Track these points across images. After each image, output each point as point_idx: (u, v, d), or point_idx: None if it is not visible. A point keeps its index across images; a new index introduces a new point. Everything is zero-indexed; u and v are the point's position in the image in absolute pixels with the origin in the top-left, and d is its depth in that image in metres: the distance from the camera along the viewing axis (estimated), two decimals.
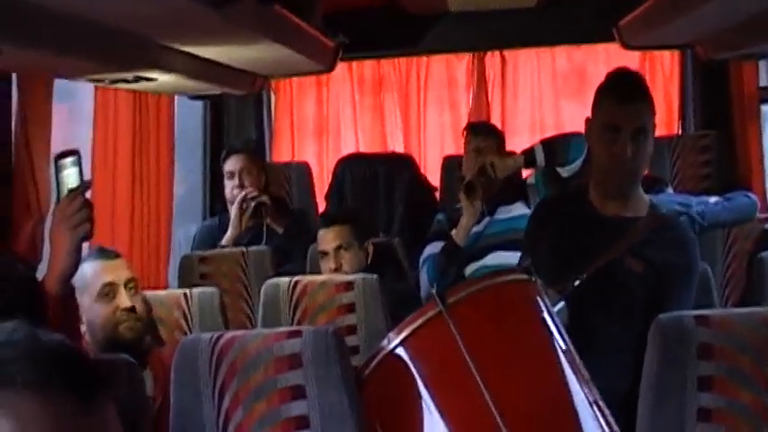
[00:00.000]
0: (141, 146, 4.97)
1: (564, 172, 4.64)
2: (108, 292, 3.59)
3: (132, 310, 3.60)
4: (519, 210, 4.82)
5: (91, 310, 3.48)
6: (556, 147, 4.72)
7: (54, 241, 2.84)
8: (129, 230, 4.90)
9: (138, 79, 3.81)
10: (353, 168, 6.46)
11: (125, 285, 3.63)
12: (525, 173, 5.04)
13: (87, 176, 2.88)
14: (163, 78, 3.97)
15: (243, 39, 3.80)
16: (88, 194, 2.87)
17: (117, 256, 3.71)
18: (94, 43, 3.11)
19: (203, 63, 4.24)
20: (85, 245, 2.94)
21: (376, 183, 6.40)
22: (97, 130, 4.74)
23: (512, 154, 5.22)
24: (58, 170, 2.81)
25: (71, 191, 2.81)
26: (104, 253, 3.65)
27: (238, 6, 3.16)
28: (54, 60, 3.09)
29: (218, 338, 3.08)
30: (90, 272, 3.57)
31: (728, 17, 4.11)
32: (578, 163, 4.60)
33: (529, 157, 4.80)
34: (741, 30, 4.24)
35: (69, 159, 2.81)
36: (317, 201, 6.51)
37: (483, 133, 5.16)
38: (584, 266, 3.44)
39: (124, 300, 3.59)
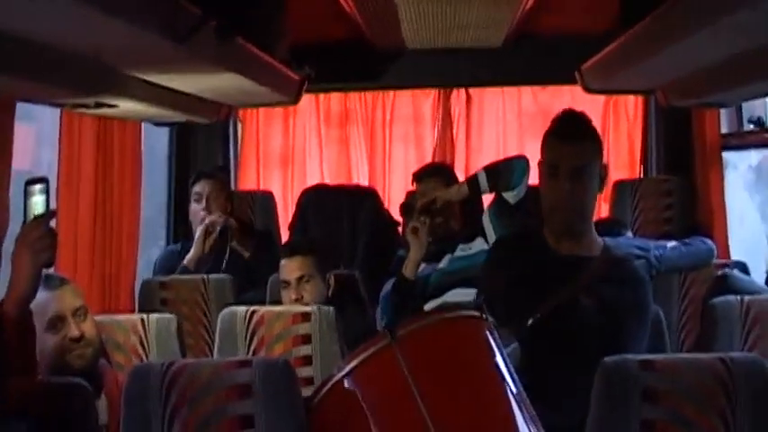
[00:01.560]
0: (105, 169, 4.96)
1: (510, 198, 4.66)
2: (56, 323, 3.60)
3: (81, 338, 3.61)
4: (478, 246, 4.85)
5: (41, 340, 3.49)
6: (499, 171, 4.74)
7: (16, 265, 2.89)
8: (90, 254, 4.90)
9: (99, 105, 3.82)
10: (317, 200, 6.48)
11: (73, 314, 3.63)
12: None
13: (54, 205, 2.94)
14: (125, 105, 3.99)
15: (205, 70, 3.81)
16: (53, 222, 2.93)
17: (63, 283, 3.69)
18: (55, 68, 3.12)
19: (166, 91, 4.25)
20: None
21: (339, 215, 6.41)
22: (63, 155, 4.74)
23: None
24: (26, 196, 2.87)
25: (37, 217, 2.86)
26: (50, 282, 3.61)
27: (199, 39, 3.19)
28: (14, 84, 3.11)
29: (170, 366, 3.11)
30: (38, 302, 3.58)
31: (688, 65, 4.16)
32: (523, 187, 4.63)
33: (472, 183, 4.82)
34: (701, 78, 4.30)
35: (38, 186, 2.87)
36: (281, 230, 6.53)
37: (426, 176, 5.19)
38: (539, 306, 3.48)
39: (72, 329, 3.60)
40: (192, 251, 5.54)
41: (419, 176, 5.20)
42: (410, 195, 6.43)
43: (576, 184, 3.48)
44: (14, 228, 3.46)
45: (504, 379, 2.96)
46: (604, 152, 6.91)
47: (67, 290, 3.68)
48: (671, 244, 5.01)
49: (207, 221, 5.54)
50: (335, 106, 7.31)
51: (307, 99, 6.47)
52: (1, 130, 3.67)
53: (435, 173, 5.24)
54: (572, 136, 3.55)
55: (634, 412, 3.00)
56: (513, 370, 3.01)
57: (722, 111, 5.92)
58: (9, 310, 2.90)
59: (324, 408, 2.92)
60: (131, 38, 2.89)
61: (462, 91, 7.24)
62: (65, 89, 3.45)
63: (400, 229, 6.40)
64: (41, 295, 3.54)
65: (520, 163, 4.66)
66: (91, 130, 4.81)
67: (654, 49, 3.88)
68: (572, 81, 5.69)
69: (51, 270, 3.44)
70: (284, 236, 6.44)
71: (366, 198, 6.55)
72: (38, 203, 2.88)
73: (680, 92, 4.86)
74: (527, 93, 7.27)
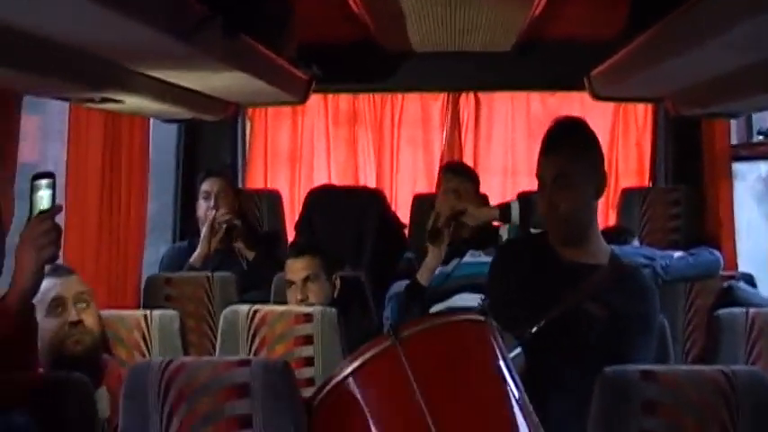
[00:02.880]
0: (113, 164, 4.97)
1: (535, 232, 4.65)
2: (57, 306, 3.62)
3: (79, 323, 3.62)
4: (489, 256, 4.83)
5: (41, 326, 3.50)
6: (532, 205, 4.72)
7: (19, 260, 2.90)
8: (97, 249, 4.91)
9: (105, 101, 3.82)
10: (324, 200, 6.47)
11: (74, 300, 3.65)
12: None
13: (60, 200, 2.94)
14: (131, 101, 3.98)
15: (211, 68, 3.81)
16: (59, 218, 2.93)
17: (70, 273, 3.74)
18: (62, 64, 3.13)
19: (173, 88, 4.25)
20: None
21: (346, 216, 6.41)
22: (71, 149, 4.74)
23: (486, 200, 5.27)
24: (32, 190, 2.87)
25: (41, 212, 2.86)
26: (57, 270, 3.67)
27: (206, 36, 3.18)
28: (21, 77, 3.11)
29: (169, 364, 3.11)
30: (42, 288, 3.59)
31: (698, 75, 4.15)
32: None
33: (504, 211, 4.82)
34: (710, 88, 4.28)
35: (44, 181, 2.88)
36: (287, 229, 6.53)
37: (462, 175, 5.18)
38: (544, 312, 3.46)
39: (72, 314, 3.62)
40: (198, 249, 5.57)
41: (455, 171, 5.20)
42: (418, 197, 6.44)
43: (557, 193, 3.49)
44: (20, 221, 3.47)
45: (507, 384, 2.94)
46: (612, 159, 6.93)
47: (73, 278, 3.71)
48: (678, 254, 5.00)
49: (213, 219, 5.57)
50: (344, 107, 7.31)
51: (315, 99, 6.46)
52: (7, 122, 3.68)
53: (470, 176, 5.25)
54: (551, 147, 3.56)
55: (634, 423, 2.98)
56: (516, 375, 2.99)
57: (732, 121, 5.90)
58: (11, 305, 2.92)
59: (325, 408, 2.90)
60: (138, 34, 2.89)
61: (471, 95, 7.23)
62: (72, 84, 3.45)
63: (406, 231, 6.41)
64: (47, 281, 3.57)
65: None
66: (99, 125, 4.82)
67: (663, 58, 3.87)
68: (581, 87, 5.68)
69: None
70: (290, 235, 6.45)
71: (373, 200, 6.55)
72: (43, 198, 2.89)
73: (689, 101, 4.85)
74: (536, 98, 7.25)
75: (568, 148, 3.54)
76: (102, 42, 3.06)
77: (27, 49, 2.86)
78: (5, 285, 2.97)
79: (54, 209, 2.91)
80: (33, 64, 2.98)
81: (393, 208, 6.74)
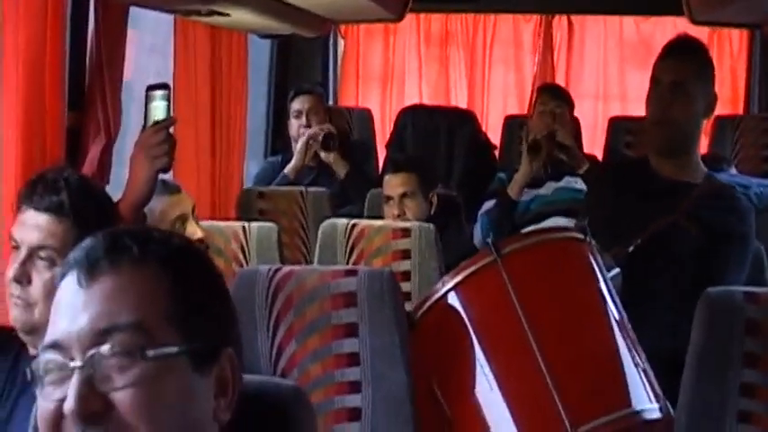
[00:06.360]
0: (215, 79, 5.05)
1: None
2: (178, 225, 3.66)
3: (203, 240, 3.68)
4: (584, 184, 4.85)
5: None
6: None
7: (133, 169, 2.90)
8: (202, 161, 4.99)
9: (211, 13, 3.86)
10: (416, 119, 6.49)
11: (192, 215, 3.71)
12: None
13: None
14: (236, 14, 4.02)
15: None
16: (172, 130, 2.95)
17: (179, 189, 3.76)
18: None
19: (275, 2, 4.28)
20: None
21: (437, 135, 6.43)
22: (177, 64, 4.81)
23: (578, 124, 5.27)
24: (147, 101, 2.87)
25: (156, 122, 2.88)
26: (168, 187, 3.68)
27: None
28: None
29: (276, 271, 3.12)
30: (159, 207, 3.64)
31: None
32: None
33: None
34: None
35: (159, 92, 2.87)
36: (378, 148, 6.56)
37: (560, 98, 5.20)
38: (641, 230, 3.48)
39: (196, 231, 3.66)
40: (293, 161, 5.58)
41: (553, 92, 5.22)
42: (509, 119, 6.44)
43: (672, 97, 3.47)
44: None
45: (606, 302, 2.96)
46: None
47: (185, 195, 3.76)
48: None
49: (308, 132, 5.59)
50: (436, 27, 7.31)
51: (407, 18, 6.45)
52: (114, 34, 3.73)
53: (567, 99, 5.28)
54: (674, 51, 3.55)
55: (737, 343, 2.98)
56: (615, 294, 3.02)
57: None
58: (124, 213, 2.94)
59: (427, 320, 2.93)
60: None
61: (564, 18, 7.19)
62: None
63: (497, 152, 6.42)
64: (163, 200, 3.62)
65: None
66: (204, 40, 4.88)
67: None
68: (675, 12, 5.63)
69: (168, 176, 3.49)
70: (381, 154, 6.48)
71: (464, 120, 6.56)
72: (158, 109, 2.88)
73: None
74: (629, 22, 7.21)
75: (689, 58, 3.55)
76: None
77: None
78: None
79: (169, 120, 2.92)
80: None
81: (484, 128, 6.75)
